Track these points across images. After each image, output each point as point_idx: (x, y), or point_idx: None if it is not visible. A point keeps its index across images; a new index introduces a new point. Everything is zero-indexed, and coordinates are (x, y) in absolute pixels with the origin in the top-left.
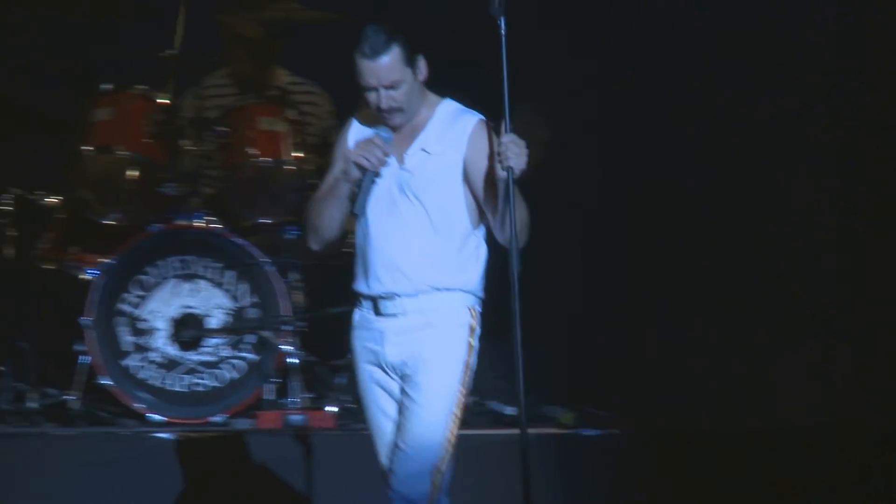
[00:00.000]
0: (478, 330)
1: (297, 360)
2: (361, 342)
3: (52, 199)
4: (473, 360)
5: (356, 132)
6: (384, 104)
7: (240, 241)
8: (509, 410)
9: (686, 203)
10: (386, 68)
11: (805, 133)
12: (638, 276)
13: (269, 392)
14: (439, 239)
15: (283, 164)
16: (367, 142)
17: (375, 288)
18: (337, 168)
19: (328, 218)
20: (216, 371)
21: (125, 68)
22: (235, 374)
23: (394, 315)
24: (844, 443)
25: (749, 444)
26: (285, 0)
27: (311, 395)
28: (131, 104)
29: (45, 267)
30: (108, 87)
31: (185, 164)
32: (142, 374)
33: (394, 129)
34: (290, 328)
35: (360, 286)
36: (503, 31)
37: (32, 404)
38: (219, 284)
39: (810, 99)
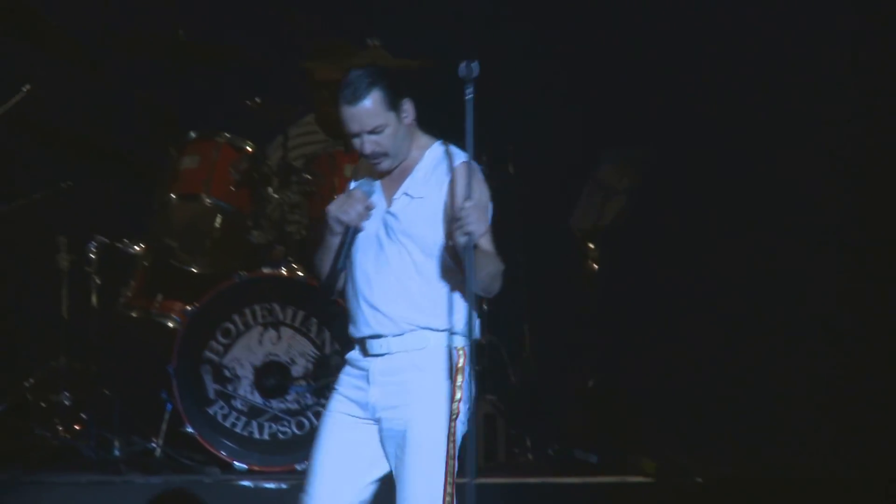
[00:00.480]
0: (467, 369)
1: None
2: (347, 376)
3: (138, 247)
4: (464, 400)
5: (358, 175)
6: (367, 149)
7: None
8: (592, 458)
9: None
10: (367, 113)
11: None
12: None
13: None
14: (422, 281)
15: None
16: (348, 196)
17: (363, 330)
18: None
19: (322, 269)
20: (300, 419)
21: (211, 116)
22: (318, 422)
23: (380, 355)
24: None
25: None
26: (372, 48)
27: None
28: (217, 152)
29: (130, 315)
30: (193, 134)
31: (269, 212)
32: (226, 422)
33: (381, 174)
34: None
35: (350, 329)
36: (469, 97)
37: (117, 452)
38: (303, 332)
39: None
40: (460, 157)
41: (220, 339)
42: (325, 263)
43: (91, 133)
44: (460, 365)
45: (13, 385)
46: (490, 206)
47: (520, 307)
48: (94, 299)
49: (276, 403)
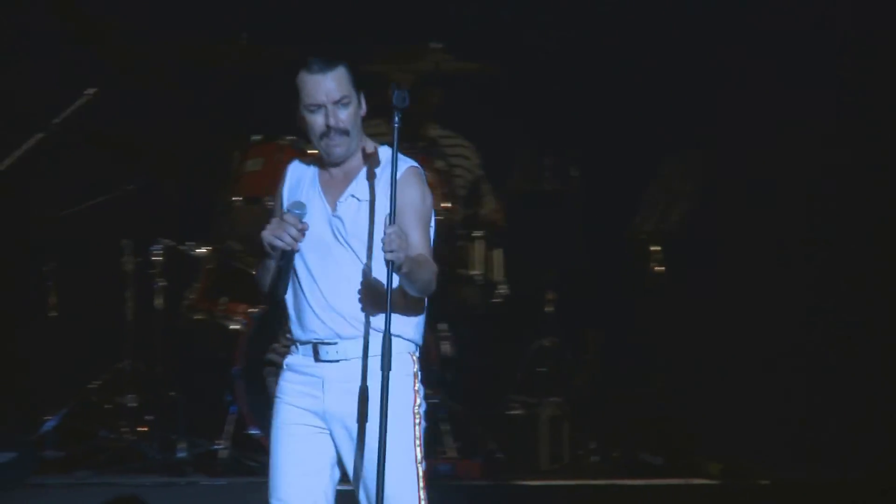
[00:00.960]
0: (420, 376)
1: (444, 410)
2: (293, 384)
3: (202, 250)
4: (422, 407)
5: (292, 182)
6: (332, 121)
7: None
8: (657, 460)
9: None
10: (336, 81)
11: None
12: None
13: None
14: (374, 284)
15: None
16: (280, 221)
17: (314, 333)
18: (276, 215)
19: (263, 282)
20: None
21: (274, 119)
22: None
23: (335, 361)
24: None
25: None
26: (434, 51)
27: (457, 445)
28: (280, 155)
29: (194, 317)
30: (257, 137)
31: None
32: None
33: (330, 163)
34: (437, 378)
35: (296, 331)
36: (396, 125)
37: (182, 454)
38: None
39: None
40: (406, 162)
41: (285, 340)
42: (266, 279)
43: (155, 137)
44: (415, 370)
45: (79, 387)
46: (430, 212)
47: (584, 310)
48: (158, 302)
49: None
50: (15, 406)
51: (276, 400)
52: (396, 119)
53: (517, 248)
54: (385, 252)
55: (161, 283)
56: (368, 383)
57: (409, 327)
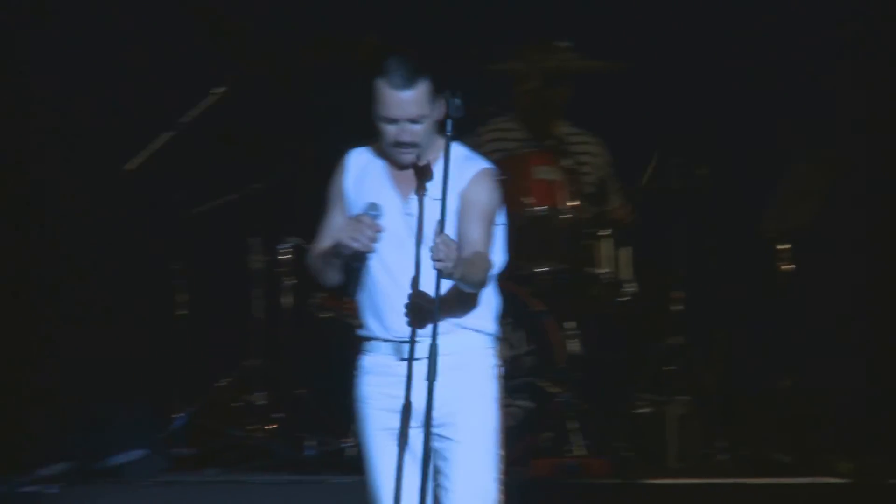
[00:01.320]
0: (501, 370)
1: (571, 408)
2: (377, 388)
3: None
4: (502, 399)
5: (355, 174)
6: (404, 138)
7: (516, 289)
8: (787, 459)
9: None
10: (413, 102)
11: None
12: None
13: (544, 439)
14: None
15: (558, 212)
16: (356, 221)
17: (396, 331)
18: (335, 213)
19: (326, 276)
20: None
21: None
22: (511, 422)
23: (419, 358)
24: None
25: None
26: (562, 49)
27: (585, 443)
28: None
29: (322, 315)
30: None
31: None
32: None
33: (401, 166)
34: (565, 376)
35: (376, 330)
36: (449, 133)
37: (310, 452)
38: None
39: None
40: (478, 162)
41: None
42: (328, 274)
43: (283, 136)
44: (497, 363)
45: (208, 386)
46: (496, 211)
47: (713, 308)
48: (286, 300)
49: None
50: (145, 404)
51: (362, 405)
52: (449, 127)
53: (645, 247)
54: (433, 261)
55: (289, 282)
56: (453, 377)
57: (486, 321)
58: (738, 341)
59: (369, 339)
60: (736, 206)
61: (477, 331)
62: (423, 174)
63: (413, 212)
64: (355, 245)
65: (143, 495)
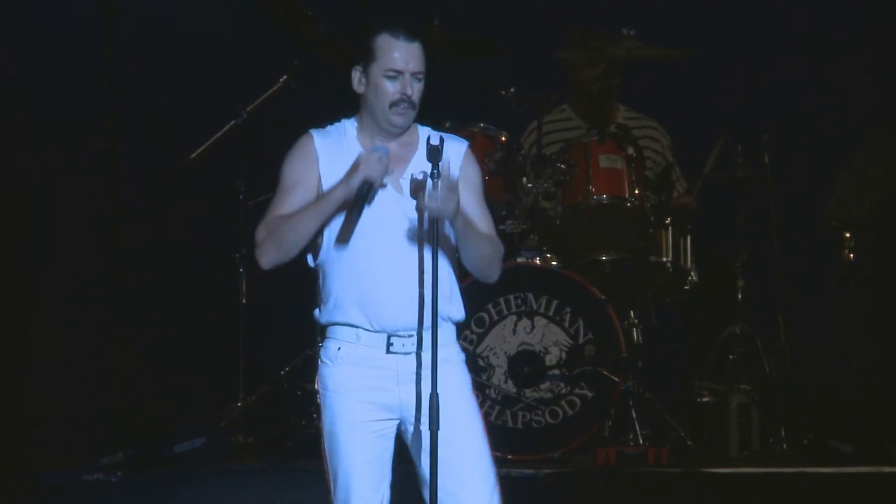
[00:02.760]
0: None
1: (633, 397)
2: (356, 380)
3: None
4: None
5: (327, 156)
6: (409, 91)
7: (578, 278)
8: (848, 448)
9: None
10: (419, 54)
11: None
12: None
13: (605, 428)
14: (445, 267)
15: (622, 200)
16: (370, 156)
17: (388, 322)
18: (302, 187)
19: (305, 234)
20: (553, 408)
21: (465, 106)
22: (572, 411)
23: (410, 352)
24: None
25: None
26: (626, 37)
27: (646, 432)
28: (471, 142)
29: None
30: (447, 125)
31: (524, 201)
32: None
33: (393, 133)
34: (626, 365)
35: (358, 320)
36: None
37: None
38: (557, 321)
39: None
40: (460, 139)
41: (474, 328)
42: (311, 228)
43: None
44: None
45: (269, 374)
46: (482, 190)
47: (774, 297)
48: None
49: (529, 392)
50: (205, 393)
51: (333, 394)
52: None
53: (708, 235)
54: (429, 204)
55: None
56: (442, 370)
57: (461, 311)
58: (799, 330)
59: (348, 327)
60: (799, 194)
61: (454, 322)
62: (434, 153)
63: (404, 193)
64: (372, 175)
65: (202, 483)
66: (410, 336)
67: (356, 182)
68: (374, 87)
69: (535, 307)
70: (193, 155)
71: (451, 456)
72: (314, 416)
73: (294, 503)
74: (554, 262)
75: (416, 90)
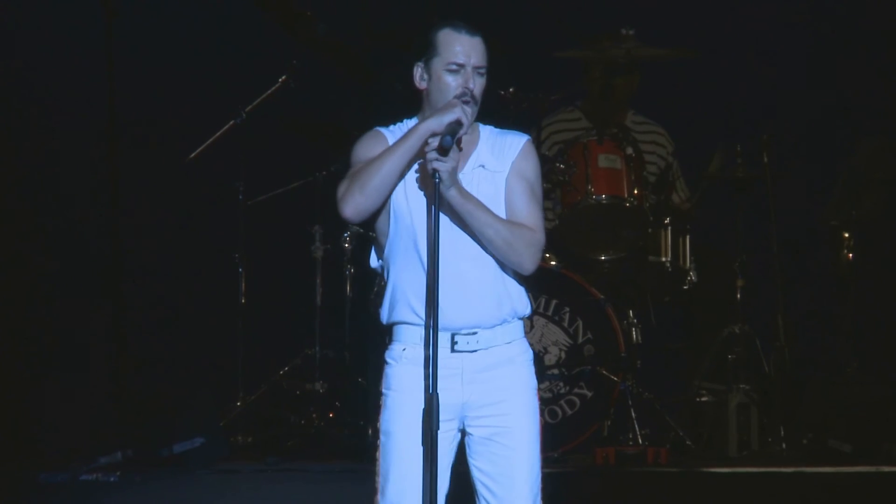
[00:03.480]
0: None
1: (633, 397)
2: (419, 379)
3: None
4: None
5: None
6: (472, 85)
7: (577, 277)
8: (847, 448)
9: None
10: (481, 48)
11: None
12: None
13: (604, 428)
14: (493, 263)
15: (622, 201)
16: (452, 102)
17: (451, 322)
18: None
19: (392, 173)
20: (552, 407)
21: None
22: (571, 411)
23: (474, 351)
24: None
25: None
26: (626, 37)
27: (645, 432)
28: None
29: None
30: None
31: None
32: None
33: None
34: (625, 364)
35: (426, 319)
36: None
37: (370, 440)
38: (556, 321)
39: None
40: (521, 134)
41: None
42: (395, 170)
43: (346, 124)
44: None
45: (268, 374)
46: (536, 186)
47: (774, 297)
48: (347, 289)
49: None
50: (204, 392)
51: (395, 394)
52: (438, 178)
53: (707, 235)
54: (428, 154)
55: (351, 271)
56: (505, 371)
57: (525, 308)
58: (798, 330)
59: (412, 327)
60: (798, 194)
61: (520, 317)
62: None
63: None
64: (460, 114)
65: (202, 483)
66: (474, 333)
67: (449, 117)
68: (436, 82)
69: (533, 307)
70: (192, 155)
71: (503, 462)
72: (313, 415)
73: (293, 503)
74: (553, 262)
75: (478, 84)
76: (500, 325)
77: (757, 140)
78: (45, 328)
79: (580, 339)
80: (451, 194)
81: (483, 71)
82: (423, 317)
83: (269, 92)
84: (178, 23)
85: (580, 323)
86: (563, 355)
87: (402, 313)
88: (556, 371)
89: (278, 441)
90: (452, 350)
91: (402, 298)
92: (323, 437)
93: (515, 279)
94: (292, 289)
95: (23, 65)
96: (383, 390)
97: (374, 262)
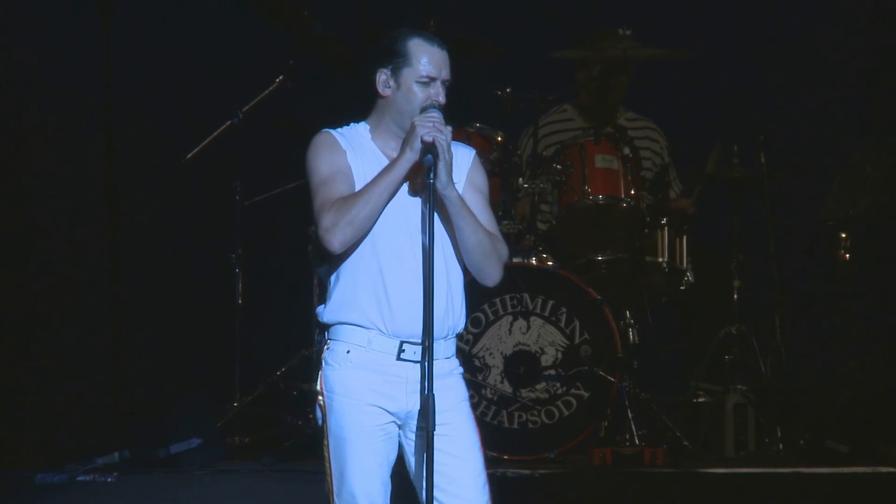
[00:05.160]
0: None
1: (629, 397)
2: (365, 384)
3: None
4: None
5: (351, 153)
6: (441, 99)
7: (574, 278)
8: (844, 448)
9: None
10: (448, 62)
11: None
12: None
13: (601, 428)
14: (456, 276)
15: (619, 201)
16: (423, 120)
17: (402, 329)
18: (342, 174)
19: (379, 207)
20: (549, 408)
21: (462, 107)
22: (568, 411)
23: (418, 361)
24: None
25: None
26: (623, 37)
27: (642, 432)
28: (468, 142)
29: None
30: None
31: (520, 201)
32: (475, 411)
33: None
34: (622, 365)
35: (373, 322)
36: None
37: None
38: (552, 322)
39: None
40: (467, 147)
41: (470, 328)
42: (383, 201)
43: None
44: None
45: (265, 374)
46: (488, 196)
47: (770, 297)
48: None
49: (525, 393)
50: (201, 393)
51: (341, 398)
52: (431, 177)
53: (704, 235)
54: (420, 127)
55: None
56: (449, 381)
57: (463, 322)
58: (795, 330)
59: (361, 329)
60: (795, 194)
61: (457, 333)
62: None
63: (419, 196)
64: (438, 136)
65: (199, 484)
66: (421, 344)
67: (418, 143)
68: (405, 92)
69: (530, 307)
70: (189, 155)
71: (451, 468)
72: (310, 416)
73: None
74: (550, 263)
75: (443, 98)
76: (444, 339)
77: (753, 140)
78: (43, 328)
79: (577, 340)
80: (450, 193)
81: (447, 83)
82: (373, 320)
83: (267, 92)
84: (175, 22)
85: (577, 323)
86: (559, 356)
87: (349, 314)
88: (552, 372)
89: (275, 441)
90: (398, 358)
91: (353, 299)
92: (318, 437)
93: (462, 295)
94: (289, 289)
95: (19, 65)
96: (325, 392)
97: (315, 260)
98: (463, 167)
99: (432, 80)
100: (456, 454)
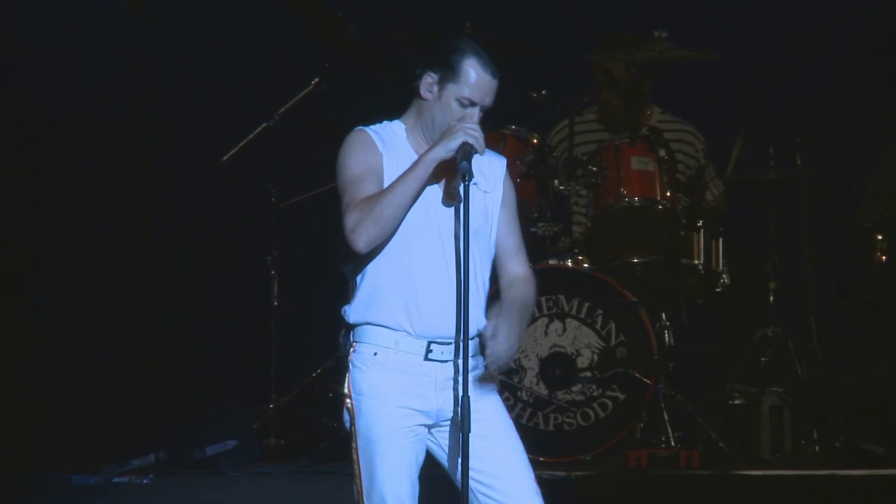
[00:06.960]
0: None
1: (665, 399)
2: (393, 385)
3: None
4: None
5: (387, 153)
6: (476, 121)
7: (609, 280)
8: (880, 450)
9: None
10: (495, 91)
11: None
12: None
13: (637, 430)
14: (483, 279)
15: (655, 203)
16: (472, 128)
17: (430, 330)
18: (373, 174)
19: (404, 205)
20: (585, 410)
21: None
22: (603, 413)
23: (448, 360)
24: None
25: None
26: (658, 39)
27: (678, 434)
28: (503, 144)
29: None
30: None
31: (555, 203)
32: (511, 413)
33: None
34: (658, 367)
35: (400, 323)
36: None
37: None
38: (588, 324)
39: None
40: (500, 157)
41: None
42: (410, 199)
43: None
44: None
45: (301, 376)
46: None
47: (806, 299)
48: None
49: (560, 395)
50: (237, 395)
51: (370, 400)
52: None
53: (740, 237)
54: (490, 361)
55: None
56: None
57: (485, 321)
58: (831, 332)
59: (390, 331)
60: (831, 196)
61: (481, 334)
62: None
63: (454, 199)
64: (471, 139)
65: (234, 486)
66: (449, 344)
67: (455, 143)
68: (443, 103)
69: (566, 309)
70: (225, 157)
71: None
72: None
73: None
74: (585, 265)
75: (477, 120)
76: (471, 339)
77: (790, 141)
78: (79, 331)
79: (613, 342)
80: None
81: (486, 110)
82: (399, 321)
83: (302, 94)
84: (210, 26)
85: (613, 325)
86: (595, 358)
87: (376, 314)
88: (588, 374)
89: (311, 443)
90: (426, 358)
91: (380, 300)
92: None
93: (486, 294)
94: (325, 291)
95: (55, 69)
96: (353, 394)
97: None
98: (498, 177)
99: (474, 104)
100: (493, 436)
